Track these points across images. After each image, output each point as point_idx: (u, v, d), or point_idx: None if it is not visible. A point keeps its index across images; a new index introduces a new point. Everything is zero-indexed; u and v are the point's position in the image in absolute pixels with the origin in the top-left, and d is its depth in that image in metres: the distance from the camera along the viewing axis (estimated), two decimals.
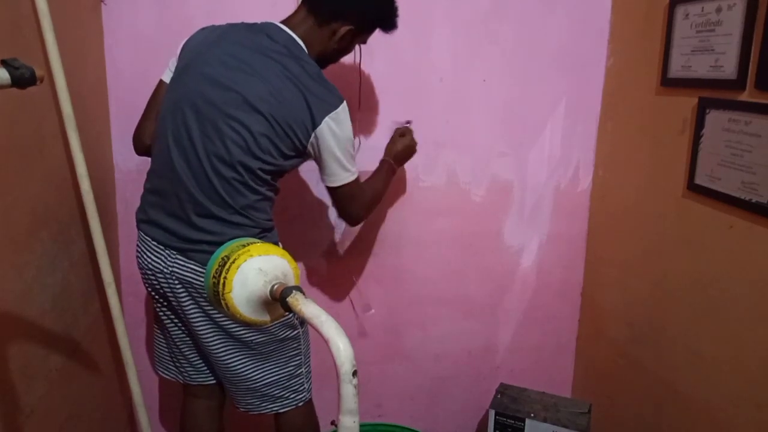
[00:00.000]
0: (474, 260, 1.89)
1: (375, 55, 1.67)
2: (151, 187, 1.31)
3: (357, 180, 1.33)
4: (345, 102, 1.24)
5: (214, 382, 1.46)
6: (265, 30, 1.26)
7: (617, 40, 1.76)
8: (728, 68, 1.29)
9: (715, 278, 1.37)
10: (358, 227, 1.79)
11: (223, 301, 0.81)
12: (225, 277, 0.80)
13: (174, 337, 1.40)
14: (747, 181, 1.25)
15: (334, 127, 1.22)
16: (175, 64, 1.30)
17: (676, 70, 1.47)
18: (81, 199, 1.32)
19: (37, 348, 1.18)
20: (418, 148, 1.58)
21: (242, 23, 1.30)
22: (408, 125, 1.63)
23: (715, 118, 1.34)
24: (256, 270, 0.81)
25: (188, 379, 1.45)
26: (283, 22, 1.29)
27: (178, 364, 1.45)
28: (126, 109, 1.44)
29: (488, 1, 1.71)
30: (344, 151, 1.26)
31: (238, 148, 1.19)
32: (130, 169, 1.63)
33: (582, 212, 1.92)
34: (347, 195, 1.33)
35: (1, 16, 1.05)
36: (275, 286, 0.81)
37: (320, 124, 1.20)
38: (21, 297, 1.11)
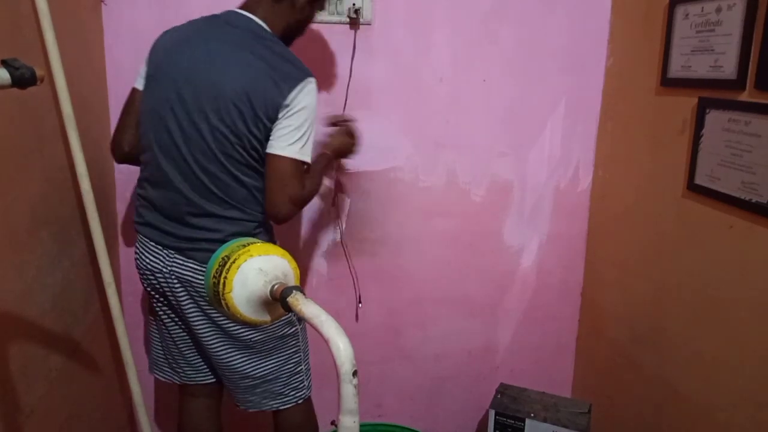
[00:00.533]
0: (474, 260, 1.89)
1: (375, 56, 1.67)
2: (145, 194, 1.32)
3: (304, 164, 1.24)
4: (313, 78, 1.23)
5: (212, 381, 1.46)
6: (224, 19, 1.27)
7: (617, 40, 1.76)
8: (728, 68, 1.29)
9: (715, 278, 1.37)
10: (357, 227, 1.80)
11: (223, 301, 0.81)
12: (225, 277, 0.80)
13: (174, 336, 1.40)
14: (747, 181, 1.25)
15: (300, 98, 1.20)
16: (146, 71, 1.30)
17: (675, 70, 1.47)
18: (81, 199, 1.32)
19: (37, 348, 1.18)
20: (417, 148, 1.57)
21: (201, 18, 1.30)
22: (346, 122, 1.52)
23: (715, 118, 1.34)
24: (256, 270, 0.81)
25: (186, 378, 1.45)
26: (241, 7, 1.29)
27: (174, 365, 1.44)
28: None
29: (488, 1, 1.71)
30: (302, 122, 1.21)
31: (217, 141, 1.20)
32: (130, 169, 1.62)
33: (582, 212, 1.92)
34: (288, 172, 1.21)
35: (1, 16, 1.05)
36: (275, 286, 0.81)
37: (287, 95, 1.19)
38: (21, 297, 1.11)
